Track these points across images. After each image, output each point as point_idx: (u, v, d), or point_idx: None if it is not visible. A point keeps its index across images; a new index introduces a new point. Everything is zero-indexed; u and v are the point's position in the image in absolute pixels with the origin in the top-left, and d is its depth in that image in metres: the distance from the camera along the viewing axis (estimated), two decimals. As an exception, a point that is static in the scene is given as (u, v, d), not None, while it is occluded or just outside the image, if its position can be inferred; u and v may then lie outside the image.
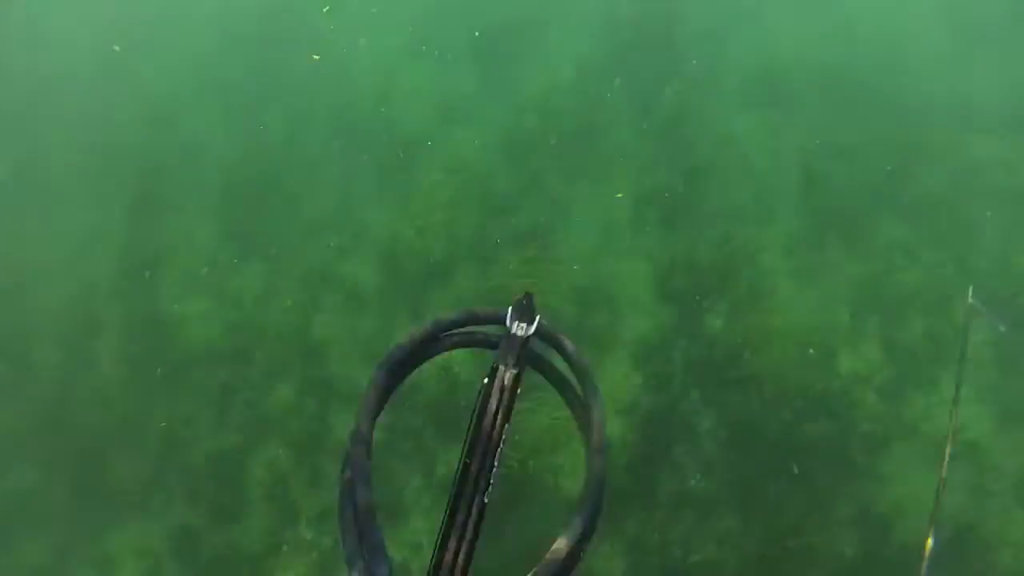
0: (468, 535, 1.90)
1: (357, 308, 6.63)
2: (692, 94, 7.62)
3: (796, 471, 5.57)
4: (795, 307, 6.26)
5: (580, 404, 2.22)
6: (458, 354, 6.22)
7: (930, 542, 4.13)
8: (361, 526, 1.76)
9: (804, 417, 5.70)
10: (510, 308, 2.21)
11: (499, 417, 2.04)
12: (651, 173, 7.06)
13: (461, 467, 2.01)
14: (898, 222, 6.55)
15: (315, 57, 7.94)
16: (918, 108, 7.34)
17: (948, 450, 4.46)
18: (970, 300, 5.28)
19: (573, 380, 2.29)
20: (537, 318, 2.17)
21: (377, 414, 1.98)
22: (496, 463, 1.99)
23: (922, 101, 7.40)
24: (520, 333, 2.12)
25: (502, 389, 2.04)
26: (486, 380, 2.07)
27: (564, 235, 6.74)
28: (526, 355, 2.17)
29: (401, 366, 2.13)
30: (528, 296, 2.22)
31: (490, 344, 2.26)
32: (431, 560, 1.86)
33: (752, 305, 6.24)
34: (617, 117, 7.47)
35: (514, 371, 2.09)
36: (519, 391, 2.03)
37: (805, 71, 7.75)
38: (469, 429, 2.03)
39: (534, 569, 1.77)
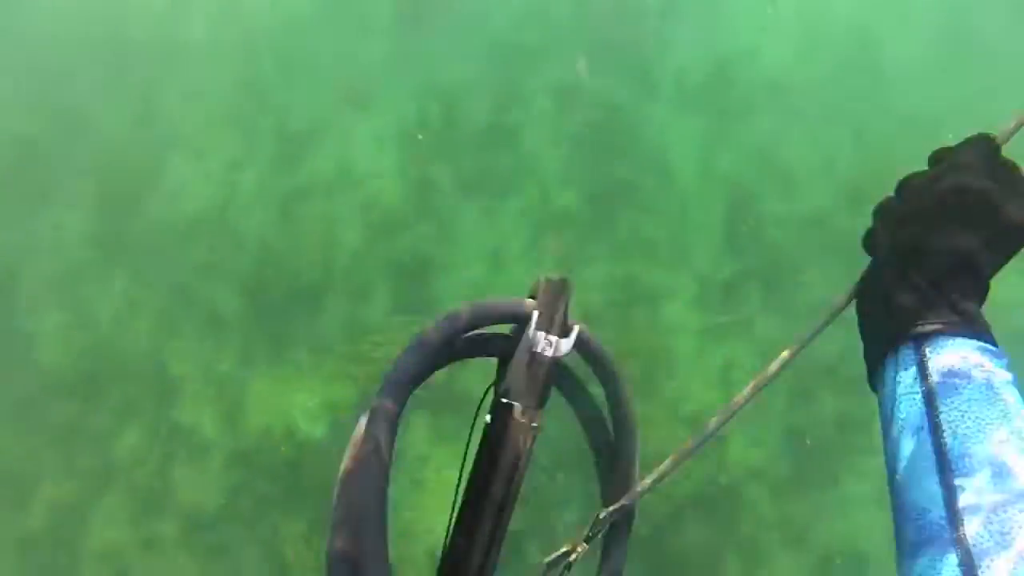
0: None
1: (216, 337, 6.02)
2: (624, 90, 6.63)
3: None
4: (694, 379, 5.51)
5: (608, 449, 1.44)
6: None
7: None
8: None
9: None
10: (534, 309, 1.28)
11: (509, 484, 1.21)
12: (559, 191, 6.18)
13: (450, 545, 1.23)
14: (829, 276, 5.66)
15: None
16: (883, 130, 6.31)
17: None
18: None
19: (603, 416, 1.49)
20: (576, 329, 1.29)
21: (389, 467, 1.14)
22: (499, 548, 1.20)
23: (891, 122, 6.35)
24: (548, 352, 1.24)
25: (518, 445, 1.20)
26: (489, 419, 1.25)
27: (448, 267, 5.97)
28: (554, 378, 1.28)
29: (410, 387, 1.26)
30: (560, 283, 1.33)
31: (509, 352, 1.34)
32: None
33: (647, 378, 5.51)
34: (534, 114, 6.53)
35: (534, 417, 1.23)
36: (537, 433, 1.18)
37: (759, 71, 6.69)
38: (460, 486, 1.23)
39: None
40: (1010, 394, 0.90)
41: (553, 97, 6.62)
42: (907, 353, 0.97)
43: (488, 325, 1.36)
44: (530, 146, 6.39)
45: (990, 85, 6.05)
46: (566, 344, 1.28)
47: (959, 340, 0.94)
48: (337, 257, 6.06)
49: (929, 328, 0.95)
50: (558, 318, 1.29)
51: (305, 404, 5.61)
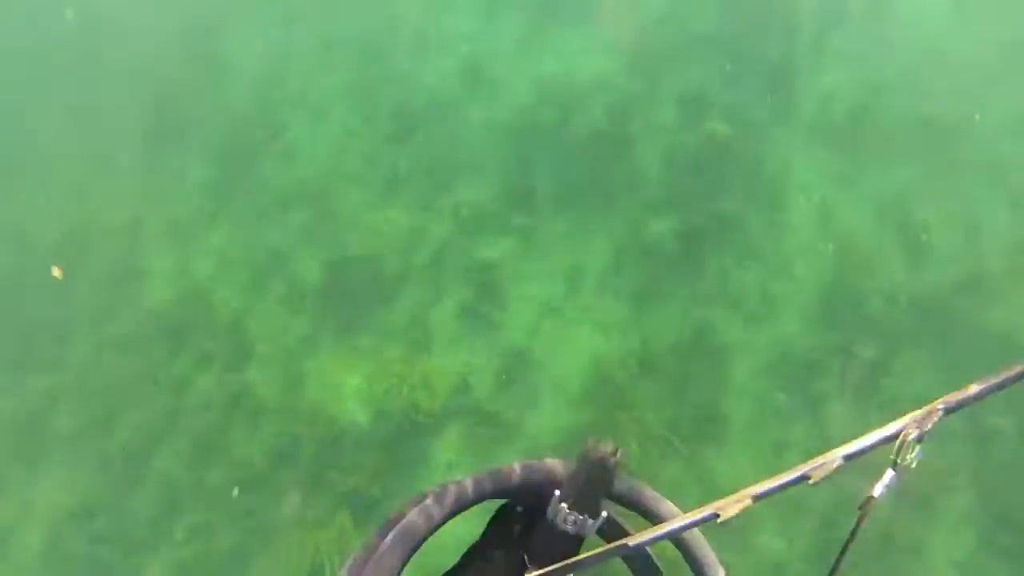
0: None
1: (295, 306, 6.22)
2: (757, 108, 6.09)
3: None
4: (742, 451, 5.09)
5: None
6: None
7: None
8: None
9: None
10: (562, 484, 1.24)
11: None
12: (656, 217, 5.80)
13: None
14: (927, 372, 5.01)
15: None
16: None
17: None
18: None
19: None
20: (604, 514, 1.23)
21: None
22: None
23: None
24: (570, 528, 1.21)
25: None
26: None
27: (519, 280, 5.80)
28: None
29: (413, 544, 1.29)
30: (603, 463, 1.22)
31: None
32: None
33: (694, 437, 5.14)
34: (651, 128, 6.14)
35: None
36: None
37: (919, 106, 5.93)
38: None
39: None
40: None
41: (677, 106, 6.19)
42: None
43: (528, 487, 1.32)
44: (640, 159, 6.02)
45: None
46: (592, 525, 1.22)
47: None
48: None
49: None
50: (591, 497, 1.20)
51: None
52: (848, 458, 1.17)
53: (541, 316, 5.64)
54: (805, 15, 6.37)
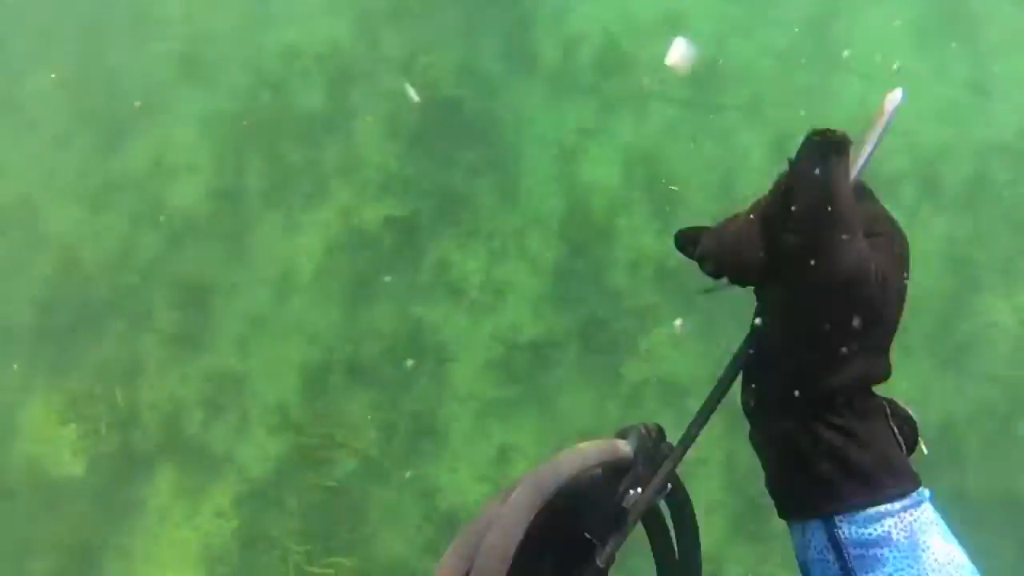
0: None
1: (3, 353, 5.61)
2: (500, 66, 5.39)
3: None
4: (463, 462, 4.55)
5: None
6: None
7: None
8: None
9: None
10: (631, 458, 1.10)
11: None
12: (376, 201, 5.15)
13: None
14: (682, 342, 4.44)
15: None
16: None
17: None
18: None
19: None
20: (668, 487, 1.10)
21: None
22: None
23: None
24: (628, 506, 1.08)
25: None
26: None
27: (227, 293, 5.18)
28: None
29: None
30: (649, 431, 1.11)
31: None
32: None
33: (420, 452, 4.60)
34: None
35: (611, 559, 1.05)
36: None
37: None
38: None
39: None
40: (935, 536, 0.77)
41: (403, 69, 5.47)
42: (816, 524, 0.81)
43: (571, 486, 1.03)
44: (359, 136, 5.35)
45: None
46: (654, 492, 1.07)
47: (875, 508, 0.77)
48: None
49: (847, 506, 0.78)
50: (657, 477, 1.08)
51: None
52: None
53: (249, 332, 5.06)
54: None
